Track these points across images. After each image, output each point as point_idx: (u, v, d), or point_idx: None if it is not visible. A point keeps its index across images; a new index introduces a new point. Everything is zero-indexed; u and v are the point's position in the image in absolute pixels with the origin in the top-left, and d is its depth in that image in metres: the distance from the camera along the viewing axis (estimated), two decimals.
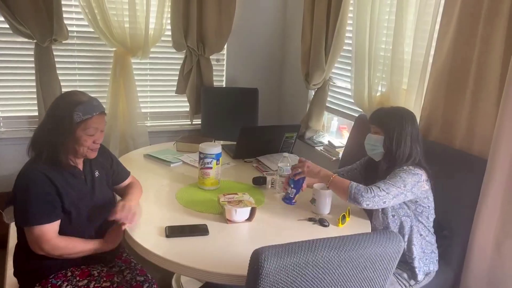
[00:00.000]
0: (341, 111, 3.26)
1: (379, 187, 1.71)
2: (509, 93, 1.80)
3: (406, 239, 1.85)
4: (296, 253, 1.15)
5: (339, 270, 1.22)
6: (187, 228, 1.66)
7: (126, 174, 1.91)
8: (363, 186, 1.73)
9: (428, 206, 1.87)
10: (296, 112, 3.71)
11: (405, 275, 1.87)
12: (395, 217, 1.84)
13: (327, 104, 3.35)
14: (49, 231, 1.53)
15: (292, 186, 1.89)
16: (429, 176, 1.84)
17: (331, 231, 1.74)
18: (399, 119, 1.84)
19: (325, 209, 1.85)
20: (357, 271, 1.25)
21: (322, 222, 1.76)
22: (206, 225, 1.69)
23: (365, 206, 1.71)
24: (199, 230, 1.66)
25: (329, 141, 3.24)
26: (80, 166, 1.68)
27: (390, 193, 1.70)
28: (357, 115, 2.85)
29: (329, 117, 3.52)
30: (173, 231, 1.63)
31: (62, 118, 1.54)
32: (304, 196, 1.93)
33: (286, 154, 2.06)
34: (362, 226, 1.81)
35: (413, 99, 2.38)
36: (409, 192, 1.75)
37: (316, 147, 3.31)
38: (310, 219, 1.80)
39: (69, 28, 3.09)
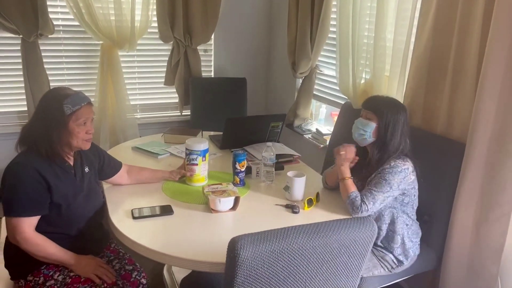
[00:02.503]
0: (328, 99, 3.29)
1: (367, 202, 1.77)
2: (485, 80, 1.84)
3: (390, 228, 1.90)
4: (271, 241, 1.20)
5: (314, 255, 1.27)
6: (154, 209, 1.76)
7: (119, 165, 1.97)
8: (359, 198, 1.79)
9: (414, 195, 1.92)
10: (284, 100, 3.74)
11: (387, 258, 1.92)
12: (381, 209, 1.88)
13: (315, 92, 3.38)
14: (25, 223, 1.58)
15: None
16: (415, 166, 1.87)
17: (306, 217, 1.80)
18: (395, 109, 1.86)
19: (298, 195, 1.90)
20: (332, 255, 1.30)
21: (293, 209, 1.82)
22: (170, 205, 1.80)
23: (354, 216, 1.79)
24: (165, 211, 1.75)
25: (317, 129, 3.28)
26: (71, 162, 1.72)
27: (376, 202, 1.78)
28: (343, 103, 2.88)
29: (317, 105, 3.55)
30: (140, 213, 1.73)
31: (53, 112, 1.58)
32: (283, 183, 1.98)
33: (269, 143, 2.09)
34: (331, 211, 1.86)
35: (395, 86, 2.41)
36: (396, 191, 1.81)
37: (304, 135, 3.35)
38: (287, 206, 1.86)
39: (55, 22, 3.10)
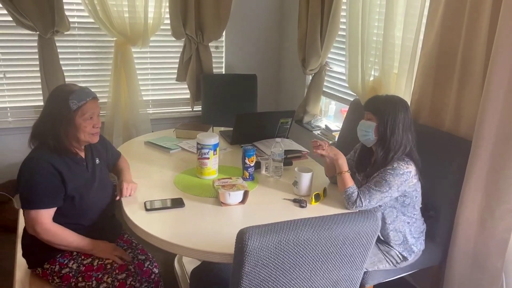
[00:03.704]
0: (337, 95, 3.33)
1: (363, 198, 1.82)
2: (492, 78, 1.86)
3: (391, 228, 1.94)
4: (278, 232, 1.25)
5: (319, 247, 1.32)
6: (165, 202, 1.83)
7: (118, 154, 2.07)
8: (356, 194, 1.83)
9: (416, 196, 1.94)
10: (294, 97, 3.78)
11: (392, 253, 1.97)
12: (381, 207, 1.92)
13: (324, 89, 3.41)
14: (44, 215, 1.65)
15: None
16: (418, 168, 1.90)
17: (313, 211, 1.85)
18: (392, 107, 1.88)
19: (306, 190, 1.95)
20: (337, 248, 1.35)
21: (300, 203, 1.87)
22: (181, 198, 1.86)
23: (350, 210, 1.85)
24: (177, 203, 1.82)
25: (326, 125, 3.32)
26: (82, 154, 1.79)
27: (372, 200, 1.82)
28: (352, 100, 2.91)
29: (326, 101, 3.58)
30: (152, 205, 1.80)
31: (59, 108, 1.65)
32: (291, 178, 2.03)
33: (278, 139, 2.14)
34: (338, 206, 1.91)
35: (403, 83, 2.44)
36: (395, 192, 1.84)
37: (313, 131, 3.39)
38: (294, 200, 1.91)
39: (70, 19, 3.18)
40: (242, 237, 1.24)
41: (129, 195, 1.85)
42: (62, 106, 1.65)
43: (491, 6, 1.90)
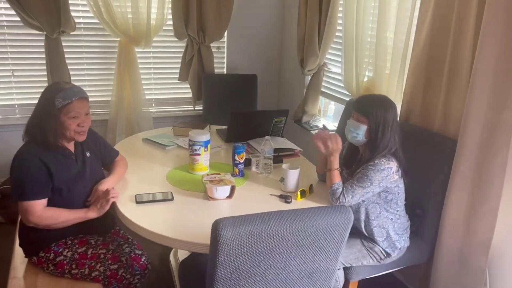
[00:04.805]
0: (335, 96, 3.37)
1: (346, 194, 1.87)
2: (476, 79, 1.89)
3: (375, 224, 1.98)
4: (251, 223, 1.31)
5: (292, 238, 1.37)
6: (155, 195, 1.89)
7: (115, 154, 2.10)
8: (340, 190, 1.89)
9: (398, 192, 1.97)
10: (294, 97, 3.83)
11: (376, 249, 2.01)
12: (364, 202, 1.96)
13: (322, 89, 3.46)
14: (36, 206, 1.72)
15: None
16: (401, 166, 1.92)
17: (296, 206, 1.89)
18: (383, 108, 1.89)
19: (292, 187, 2.00)
20: (309, 240, 1.40)
21: (286, 199, 1.92)
22: (171, 192, 1.92)
23: (334, 204, 1.89)
24: (166, 197, 1.88)
25: (323, 125, 3.35)
26: (72, 148, 1.87)
27: (355, 196, 1.87)
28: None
29: (326, 101, 3.63)
30: (142, 198, 1.86)
31: (45, 105, 1.73)
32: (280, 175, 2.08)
33: (268, 137, 2.19)
34: (323, 202, 1.95)
35: (395, 84, 2.48)
36: (377, 187, 1.88)
37: (311, 131, 3.43)
38: (280, 196, 1.97)
39: (76, 20, 3.28)
40: (216, 227, 1.30)
41: (113, 199, 1.82)
42: (48, 103, 1.72)
43: (476, 11, 1.93)
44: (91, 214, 1.80)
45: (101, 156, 2.01)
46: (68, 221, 1.79)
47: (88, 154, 1.92)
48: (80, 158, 1.88)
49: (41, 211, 1.74)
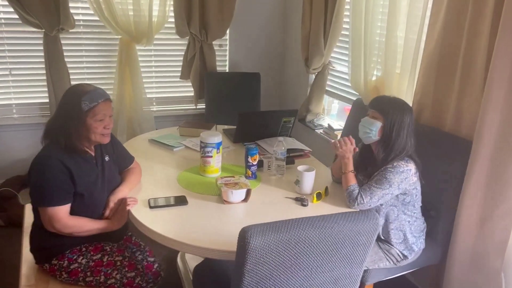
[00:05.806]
0: (340, 95, 3.35)
1: (364, 195, 1.84)
2: (492, 79, 1.88)
3: (392, 226, 1.96)
4: (279, 231, 1.28)
5: (319, 245, 1.34)
6: (169, 200, 1.86)
7: (130, 160, 2.03)
8: (357, 191, 1.86)
9: (416, 195, 1.96)
10: (297, 95, 3.80)
11: (393, 251, 1.99)
12: (383, 206, 1.94)
13: (327, 88, 3.43)
14: (61, 211, 1.68)
15: None
16: (418, 168, 1.92)
17: (314, 210, 1.87)
18: (400, 110, 1.89)
19: (308, 189, 1.98)
20: (337, 246, 1.37)
21: (302, 202, 1.90)
22: (184, 196, 1.89)
23: (351, 208, 1.87)
24: (180, 201, 1.85)
25: (328, 124, 3.34)
26: (92, 152, 1.82)
27: (374, 197, 1.84)
28: (354, 99, 2.93)
29: (329, 100, 3.60)
30: (156, 203, 1.82)
31: (71, 109, 1.68)
32: (293, 177, 2.06)
33: (281, 138, 2.16)
34: (339, 204, 1.93)
35: (405, 84, 2.46)
36: (396, 190, 1.86)
37: (316, 130, 3.41)
38: (296, 199, 1.94)
39: (75, 17, 3.21)
40: (244, 235, 1.26)
41: (130, 207, 1.79)
42: (74, 106, 1.67)
43: (493, 8, 1.91)
44: (113, 226, 1.79)
45: (117, 161, 1.96)
46: (92, 231, 1.75)
47: (107, 158, 1.87)
48: (99, 162, 1.83)
49: (67, 218, 1.69)
